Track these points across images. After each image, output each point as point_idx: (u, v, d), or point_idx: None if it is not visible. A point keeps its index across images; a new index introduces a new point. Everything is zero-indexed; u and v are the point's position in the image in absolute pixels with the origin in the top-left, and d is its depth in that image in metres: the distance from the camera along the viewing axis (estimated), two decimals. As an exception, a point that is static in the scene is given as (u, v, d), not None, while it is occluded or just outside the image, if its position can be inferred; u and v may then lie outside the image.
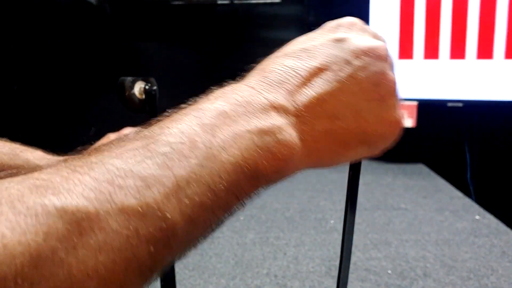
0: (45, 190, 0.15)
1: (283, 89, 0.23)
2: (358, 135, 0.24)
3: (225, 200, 0.19)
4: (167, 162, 0.18)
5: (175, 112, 0.22)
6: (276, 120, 0.22)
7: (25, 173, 0.16)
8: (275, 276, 0.69)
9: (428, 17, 1.32)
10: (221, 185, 0.19)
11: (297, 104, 0.23)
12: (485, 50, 1.29)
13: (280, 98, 0.22)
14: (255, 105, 0.22)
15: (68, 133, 1.64)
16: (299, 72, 0.23)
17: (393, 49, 1.36)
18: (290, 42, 0.28)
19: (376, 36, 0.27)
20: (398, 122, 0.26)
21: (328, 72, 0.23)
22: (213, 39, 1.57)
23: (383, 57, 0.25)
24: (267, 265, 0.73)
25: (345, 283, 0.40)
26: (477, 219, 0.94)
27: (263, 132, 0.21)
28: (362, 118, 0.24)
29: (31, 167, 0.32)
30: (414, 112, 1.34)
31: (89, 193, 0.15)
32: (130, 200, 0.16)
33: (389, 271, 0.70)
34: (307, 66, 0.24)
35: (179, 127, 0.20)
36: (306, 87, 0.23)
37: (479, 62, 1.30)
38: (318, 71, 0.24)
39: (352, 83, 0.23)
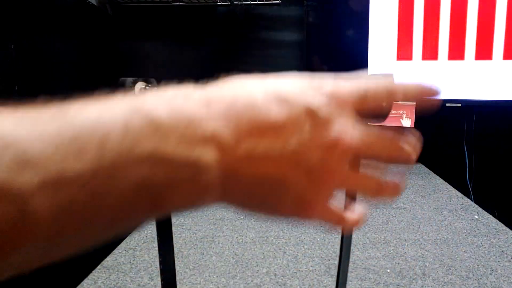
0: None
1: (237, 124, 0.21)
2: (269, 208, 0.24)
3: (106, 217, 0.18)
4: (64, 150, 0.16)
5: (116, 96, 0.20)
6: (209, 156, 0.20)
7: None
8: (275, 275, 0.69)
9: (427, 19, 1.33)
10: (107, 200, 0.17)
11: (240, 149, 0.20)
12: (483, 51, 1.29)
13: (228, 134, 0.20)
14: (198, 129, 0.19)
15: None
16: (260, 116, 0.21)
17: (392, 51, 1.37)
18: (271, 77, 0.24)
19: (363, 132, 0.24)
20: (308, 214, 0.25)
21: (280, 135, 0.21)
22: (213, 40, 1.57)
23: (340, 152, 0.23)
24: (267, 264, 0.73)
25: (344, 282, 0.40)
26: (475, 218, 0.94)
27: (187, 164, 0.19)
28: (281, 197, 0.23)
29: None
30: (413, 112, 1.34)
31: None
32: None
33: (388, 270, 0.71)
34: (268, 115, 0.21)
35: (97, 116, 0.18)
36: (256, 136, 0.21)
37: (477, 63, 1.30)
38: (273, 128, 0.21)
39: (293, 160, 0.22)
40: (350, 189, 0.26)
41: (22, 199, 0.15)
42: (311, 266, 0.72)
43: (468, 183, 1.46)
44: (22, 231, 0.16)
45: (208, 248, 0.79)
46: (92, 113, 0.18)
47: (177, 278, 0.49)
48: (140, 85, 0.48)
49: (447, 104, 1.35)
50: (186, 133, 0.19)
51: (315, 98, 0.23)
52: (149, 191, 0.18)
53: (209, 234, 0.86)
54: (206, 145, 0.20)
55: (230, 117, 0.20)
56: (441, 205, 1.04)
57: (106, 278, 0.69)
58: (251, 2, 1.48)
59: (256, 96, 0.22)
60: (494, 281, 0.67)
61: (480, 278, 0.68)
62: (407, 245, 0.81)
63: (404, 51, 1.36)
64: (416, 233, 0.86)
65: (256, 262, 0.74)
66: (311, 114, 0.22)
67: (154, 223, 0.44)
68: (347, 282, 0.39)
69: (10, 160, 0.15)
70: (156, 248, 0.79)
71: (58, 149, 0.16)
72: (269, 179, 0.22)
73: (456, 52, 1.31)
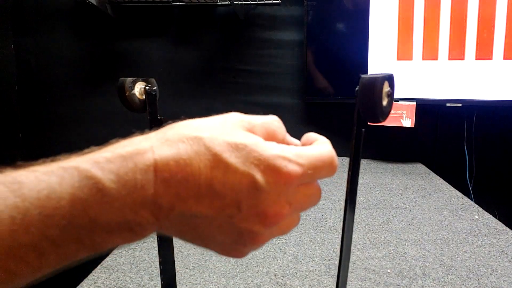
0: None
1: (176, 190, 0.23)
2: (201, 245, 0.26)
3: (54, 262, 0.22)
4: (15, 225, 0.20)
5: (68, 163, 0.23)
6: (147, 219, 0.22)
7: None
8: (275, 275, 0.69)
9: (427, 19, 1.33)
10: (56, 252, 0.21)
11: (175, 210, 0.23)
12: (484, 51, 1.29)
13: (166, 199, 0.22)
14: (140, 196, 0.22)
15: (69, 133, 1.64)
16: (201, 182, 0.23)
17: (392, 51, 1.37)
18: (229, 130, 0.25)
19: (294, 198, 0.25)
20: (237, 256, 0.26)
21: (219, 201, 0.23)
22: (213, 40, 1.57)
23: (269, 225, 0.24)
24: (267, 264, 0.73)
25: (345, 282, 0.40)
26: (476, 218, 0.94)
27: (127, 224, 0.22)
28: (212, 242, 0.25)
29: None
30: (413, 112, 1.34)
31: None
32: None
33: (388, 270, 0.71)
34: (210, 183, 0.23)
35: (49, 190, 0.21)
36: (193, 200, 0.23)
37: (478, 63, 1.30)
38: (213, 195, 0.23)
39: (226, 222, 0.24)
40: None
41: None
42: (311, 266, 0.72)
43: (468, 183, 1.46)
44: None
45: (208, 248, 0.79)
46: (44, 188, 0.21)
47: (177, 278, 0.49)
48: (140, 85, 0.48)
49: (447, 104, 1.35)
50: (129, 199, 0.22)
51: (260, 175, 0.23)
52: (89, 245, 0.22)
53: (209, 234, 0.86)
54: (145, 209, 0.22)
55: (171, 184, 0.22)
56: (441, 205, 1.04)
57: (106, 278, 0.69)
58: (251, 2, 1.48)
59: (202, 164, 0.23)
60: (495, 281, 0.67)
61: (481, 278, 0.68)
62: (408, 245, 0.81)
63: (404, 51, 1.36)
64: (416, 233, 0.86)
65: (256, 262, 0.74)
66: (255, 188, 0.23)
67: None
68: (348, 282, 0.39)
69: None
70: (156, 248, 0.79)
71: (11, 224, 0.20)
72: (200, 232, 0.24)
73: (456, 52, 1.31)
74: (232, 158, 0.23)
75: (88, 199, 0.21)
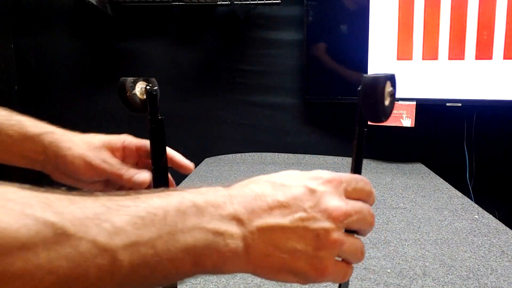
0: (48, 207, 0.23)
1: (251, 207, 0.29)
2: (288, 267, 0.30)
3: (165, 270, 0.26)
4: (140, 222, 0.25)
5: (167, 191, 0.29)
6: (233, 228, 0.28)
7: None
8: (276, 275, 0.69)
9: (427, 19, 1.33)
10: (166, 257, 0.26)
11: (253, 224, 0.29)
12: (484, 51, 1.29)
13: (244, 214, 0.29)
14: (223, 211, 0.29)
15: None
16: (268, 200, 0.30)
17: (392, 50, 1.37)
18: (280, 173, 0.33)
19: (347, 203, 0.31)
20: (323, 270, 0.30)
21: (287, 210, 0.30)
22: (213, 39, 1.57)
23: (337, 220, 0.30)
24: (267, 264, 0.73)
25: (346, 282, 0.40)
26: (476, 218, 0.95)
27: (218, 233, 0.28)
28: (296, 256, 0.29)
29: (23, 128, 0.49)
30: (413, 112, 1.34)
31: (74, 220, 0.23)
32: (99, 237, 0.23)
33: (389, 270, 0.71)
34: (275, 198, 0.30)
35: (160, 202, 0.27)
36: (266, 214, 0.29)
37: (477, 63, 1.30)
38: (280, 206, 0.30)
39: (300, 227, 0.29)
40: (346, 254, 0.32)
41: (113, 255, 0.24)
42: (312, 266, 0.72)
43: (468, 183, 1.46)
44: (110, 277, 0.24)
45: (208, 248, 0.79)
46: (156, 200, 0.27)
47: (178, 278, 0.49)
48: (140, 85, 0.48)
49: (447, 104, 1.35)
50: (216, 212, 0.28)
51: (310, 181, 0.31)
52: (192, 253, 0.27)
53: (209, 234, 0.86)
54: (230, 221, 0.29)
55: (246, 204, 0.30)
56: (441, 205, 1.04)
57: (106, 278, 0.69)
58: (251, 2, 1.48)
59: (266, 189, 0.31)
60: (495, 281, 0.67)
61: (481, 278, 0.68)
62: (408, 245, 0.81)
63: (404, 51, 1.36)
64: (416, 233, 0.86)
65: (257, 262, 0.73)
66: (311, 191, 0.31)
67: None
68: (347, 282, 0.39)
69: (107, 229, 0.24)
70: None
71: (136, 223, 0.25)
72: (282, 246, 0.29)
73: (456, 52, 1.31)
74: (285, 181, 0.31)
75: (187, 211, 0.27)
